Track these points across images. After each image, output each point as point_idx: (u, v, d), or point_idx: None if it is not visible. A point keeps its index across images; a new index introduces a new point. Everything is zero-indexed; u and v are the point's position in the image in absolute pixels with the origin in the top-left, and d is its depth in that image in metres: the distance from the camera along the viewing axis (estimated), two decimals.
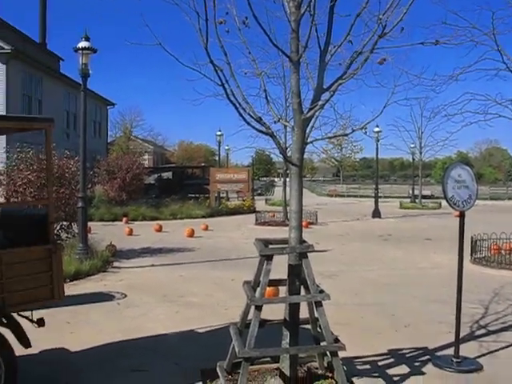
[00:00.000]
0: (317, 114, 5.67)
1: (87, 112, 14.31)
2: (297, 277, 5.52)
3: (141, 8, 5.45)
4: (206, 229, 22.48)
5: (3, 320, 5.12)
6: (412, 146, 42.61)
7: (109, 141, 56.63)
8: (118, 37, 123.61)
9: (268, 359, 5.95)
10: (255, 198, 40.16)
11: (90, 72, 13.73)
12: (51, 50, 42.44)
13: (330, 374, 5.79)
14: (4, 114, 28.22)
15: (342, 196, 57.94)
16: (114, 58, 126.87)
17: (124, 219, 26.04)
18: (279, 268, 5.74)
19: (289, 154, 7.77)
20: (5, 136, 6.32)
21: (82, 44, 13.48)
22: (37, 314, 5.83)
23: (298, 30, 5.42)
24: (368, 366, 6.52)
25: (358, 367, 6.47)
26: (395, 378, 6.11)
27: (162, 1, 5.23)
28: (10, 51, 30.96)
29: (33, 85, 34.57)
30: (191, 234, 20.12)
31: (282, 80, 20.17)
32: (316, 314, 5.44)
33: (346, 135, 6.99)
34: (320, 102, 5.52)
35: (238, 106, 5.29)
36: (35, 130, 5.95)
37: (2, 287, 5.13)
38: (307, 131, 5.67)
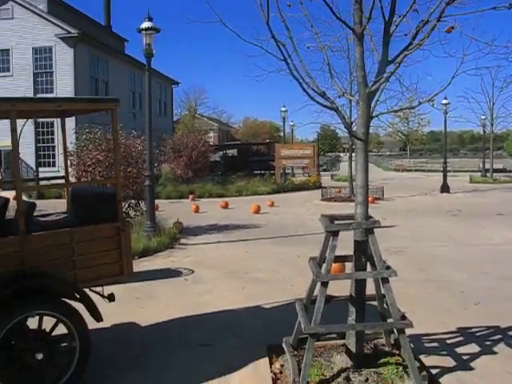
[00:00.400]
0: (382, 87, 5.53)
1: (152, 91, 14.49)
2: (363, 253, 5.45)
3: None
4: (272, 205, 22.52)
5: (76, 295, 5.30)
6: (483, 117, 41.04)
7: (174, 119, 57.43)
8: (181, 15, 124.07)
9: (334, 335, 5.91)
10: (321, 173, 39.87)
11: (154, 52, 13.86)
12: (116, 31, 43.21)
13: (397, 352, 5.72)
14: (73, 96, 29.06)
15: (409, 171, 56.79)
16: (177, 36, 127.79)
17: (190, 196, 26.39)
18: (344, 244, 5.68)
19: (354, 128, 7.63)
20: (74, 117, 6.53)
21: (145, 24, 13.60)
22: (107, 290, 6.02)
23: (361, 0, 5.28)
24: (436, 344, 6.39)
25: (426, 345, 6.35)
26: (465, 357, 5.95)
27: None
28: (76, 35, 31.76)
29: (99, 67, 35.38)
30: (257, 211, 20.21)
31: (346, 53, 19.85)
32: (382, 291, 5.37)
33: (413, 108, 6.79)
34: (385, 75, 5.37)
35: (301, 81, 5.21)
36: (102, 110, 6.08)
37: (74, 264, 5.31)
38: (372, 105, 5.54)
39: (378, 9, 5.34)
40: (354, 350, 5.55)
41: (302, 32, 5.79)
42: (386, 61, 5.41)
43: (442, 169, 32.09)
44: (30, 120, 24.59)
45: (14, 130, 4.98)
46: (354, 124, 16.61)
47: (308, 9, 5.49)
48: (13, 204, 6.29)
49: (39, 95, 31.17)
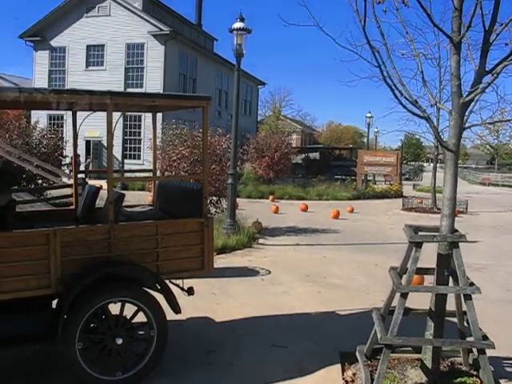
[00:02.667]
0: (476, 97, 5.37)
1: (239, 91, 14.65)
2: (446, 267, 5.31)
3: None
4: (352, 211, 22.29)
5: (157, 286, 5.45)
6: None
7: (258, 119, 57.84)
8: (269, 16, 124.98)
9: (409, 349, 5.80)
10: (403, 182, 39.08)
11: (244, 52, 14.03)
12: (206, 30, 43.97)
13: (475, 373, 5.54)
14: (161, 92, 29.81)
15: (496, 185, 54.56)
16: (265, 38, 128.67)
17: (270, 197, 26.50)
18: (421, 256, 5.54)
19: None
20: (161, 114, 6.73)
21: (237, 25, 13.77)
22: (187, 283, 6.15)
23: (461, 8, 5.13)
24: None
25: (507, 369, 6.07)
26: None
27: None
28: (168, 33, 32.58)
29: (188, 64, 36.13)
30: (336, 216, 20.06)
31: (437, 61, 19.34)
32: (464, 308, 5.21)
33: (509, 121, 6.55)
34: (481, 85, 5.21)
35: (393, 88, 5.15)
36: (194, 107, 6.21)
37: (158, 255, 5.46)
38: (465, 116, 5.39)
39: (477, 16, 5.20)
40: (429, 365, 5.41)
41: (395, 38, 5.72)
42: (483, 71, 5.25)
43: None
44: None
45: (109, 122, 5.17)
46: (440, 134, 16.21)
47: (402, 15, 5.41)
48: (102, 193, 6.57)
49: (129, 89, 32.21)
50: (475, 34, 5.40)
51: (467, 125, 5.56)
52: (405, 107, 5.29)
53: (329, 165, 46.40)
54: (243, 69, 38.24)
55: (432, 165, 29.18)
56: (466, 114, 5.41)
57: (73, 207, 6.93)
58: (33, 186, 17.47)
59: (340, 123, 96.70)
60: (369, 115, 39.34)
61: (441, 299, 5.36)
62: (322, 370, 5.84)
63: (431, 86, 20.43)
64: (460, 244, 5.18)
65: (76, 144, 6.87)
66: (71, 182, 7.77)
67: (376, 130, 50.32)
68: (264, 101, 73.45)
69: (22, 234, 4.89)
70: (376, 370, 5.22)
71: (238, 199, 16.43)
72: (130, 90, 32.23)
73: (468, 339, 5.30)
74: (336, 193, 29.08)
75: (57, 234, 4.94)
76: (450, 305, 5.54)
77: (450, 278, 5.37)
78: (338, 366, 5.91)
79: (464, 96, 5.25)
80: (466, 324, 5.42)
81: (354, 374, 5.70)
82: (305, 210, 22.02)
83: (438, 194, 22.65)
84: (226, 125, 31.61)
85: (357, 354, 5.82)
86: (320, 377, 5.69)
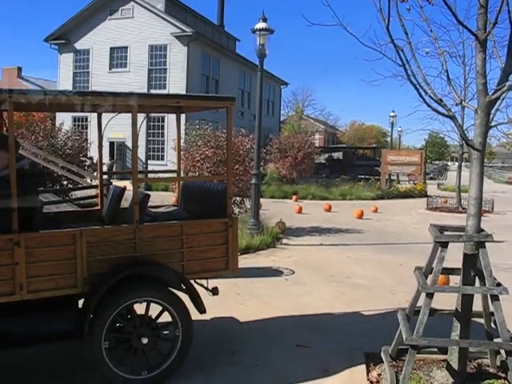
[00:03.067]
0: (503, 95, 5.31)
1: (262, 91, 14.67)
2: (472, 267, 5.26)
3: None
4: (376, 211, 22.18)
5: (182, 286, 5.49)
6: None
7: (281, 119, 57.81)
8: (292, 16, 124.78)
9: (435, 350, 5.75)
10: (427, 181, 38.75)
11: (267, 52, 14.03)
12: (228, 31, 44.07)
13: (503, 375, 5.46)
14: (184, 93, 29.96)
15: None
16: (288, 37, 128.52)
17: (294, 197, 26.47)
18: (447, 256, 5.49)
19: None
20: (184, 114, 6.74)
21: (260, 25, 13.77)
22: (211, 283, 6.17)
23: (486, 5, 5.07)
24: None
25: None
26: None
27: None
28: (191, 34, 32.78)
29: (211, 65, 36.32)
30: (360, 216, 19.97)
31: (462, 59, 19.15)
32: (491, 308, 5.15)
33: None
34: (508, 83, 5.14)
35: (418, 87, 5.11)
36: (218, 108, 6.22)
37: (183, 255, 5.49)
38: (491, 114, 5.33)
39: (504, 13, 5.13)
40: (456, 367, 5.36)
41: (419, 37, 5.67)
42: (509, 68, 5.17)
43: None
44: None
45: (134, 124, 5.21)
46: (465, 132, 16.01)
47: (426, 12, 5.37)
48: (126, 194, 6.63)
49: (152, 91, 32.45)
50: (501, 30, 5.33)
51: (493, 123, 5.49)
52: (429, 106, 5.25)
53: (352, 164, 46.26)
54: (266, 69, 38.26)
55: (457, 164, 28.88)
56: (492, 112, 5.34)
57: (98, 208, 7.00)
58: (58, 187, 17.68)
59: (363, 122, 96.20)
60: (392, 114, 39.08)
61: (467, 300, 5.30)
62: (347, 370, 5.81)
63: (456, 84, 20.03)
64: (486, 244, 5.12)
65: (101, 145, 6.93)
66: (96, 182, 7.85)
67: (400, 129, 49.87)
68: (287, 101, 73.43)
69: (49, 234, 4.95)
70: (401, 370, 5.19)
71: (261, 199, 16.44)
72: (153, 91, 32.51)
73: (495, 340, 5.24)
74: (360, 192, 28.95)
75: (83, 234, 4.99)
76: (477, 305, 5.49)
77: (477, 279, 5.32)
78: (363, 367, 5.88)
79: (490, 94, 5.19)
80: (493, 325, 5.36)
81: (379, 375, 5.67)
82: (328, 209, 21.96)
83: (463, 194, 22.41)
84: (249, 125, 31.64)
85: (382, 354, 5.79)
86: (345, 377, 5.67)
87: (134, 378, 5.18)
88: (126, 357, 5.24)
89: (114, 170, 31.15)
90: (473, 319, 5.47)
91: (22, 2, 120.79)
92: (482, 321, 5.58)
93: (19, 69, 50.03)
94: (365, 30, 5.36)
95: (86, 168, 19.97)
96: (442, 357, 5.71)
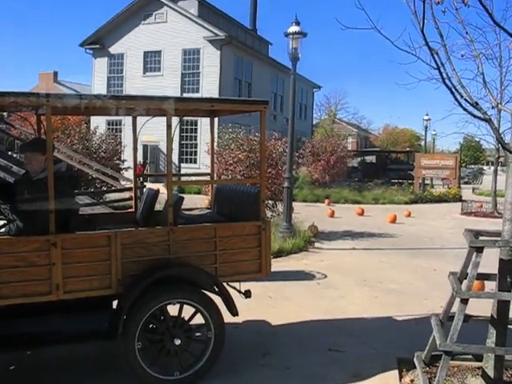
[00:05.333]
0: None
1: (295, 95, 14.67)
2: (508, 273, 5.17)
3: None
4: (409, 215, 21.95)
5: (215, 288, 5.52)
6: None
7: (314, 123, 57.68)
8: (327, 18, 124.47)
9: (469, 357, 5.66)
10: (461, 186, 38.21)
11: (300, 56, 14.03)
12: (261, 34, 44.19)
13: None
14: (217, 96, 30.13)
15: None
16: (322, 40, 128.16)
17: (326, 201, 26.38)
18: (482, 261, 5.42)
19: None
20: (217, 118, 6.76)
21: (293, 29, 13.77)
22: (244, 286, 6.19)
23: None
24: None
25: None
26: None
27: None
28: (223, 38, 32.97)
29: (243, 69, 36.47)
30: (393, 220, 19.81)
31: (499, 61, 18.84)
32: None
33: None
34: None
35: (453, 90, 5.06)
36: (251, 111, 6.25)
37: (216, 258, 5.52)
38: None
39: None
40: (491, 374, 5.26)
41: (454, 39, 5.62)
42: None
43: None
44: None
45: (169, 126, 5.26)
46: (502, 136, 15.73)
47: (462, 15, 5.32)
48: (160, 197, 6.69)
49: (186, 94, 32.70)
50: None
51: None
52: (465, 109, 5.19)
53: (385, 168, 45.89)
54: (298, 72, 38.26)
55: (492, 168, 28.40)
56: None
57: (132, 210, 7.09)
58: (92, 190, 17.93)
59: (396, 126, 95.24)
60: (426, 118, 38.62)
61: (503, 306, 5.21)
62: (379, 375, 5.77)
63: (492, 87, 19.72)
64: None
65: (136, 148, 7.00)
66: (131, 185, 7.94)
67: (434, 132, 49.31)
68: (319, 104, 73.26)
69: (84, 235, 5.04)
70: (434, 377, 5.13)
71: (293, 203, 16.42)
72: (186, 94, 32.75)
73: None
74: (393, 197, 28.72)
75: (118, 236, 5.06)
76: None
77: None
78: (395, 372, 5.82)
79: None
80: None
81: (412, 381, 5.61)
82: (361, 214, 21.83)
83: (498, 198, 22.04)
84: (282, 128, 31.64)
85: (415, 360, 5.73)
86: (377, 382, 5.63)
87: (167, 379, 5.23)
88: (159, 357, 5.29)
89: (147, 172, 31.48)
90: (509, 326, 5.38)
91: (59, 6, 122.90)
92: None
93: (55, 73, 50.95)
94: (399, 32, 5.33)
95: (120, 171, 20.20)
96: (476, 364, 5.62)
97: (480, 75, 5.64)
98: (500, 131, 15.34)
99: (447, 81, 5.09)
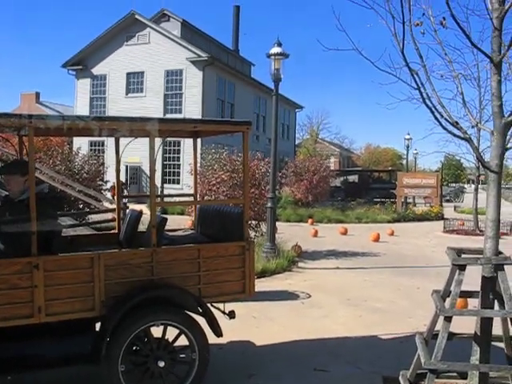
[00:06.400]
0: None
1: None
2: (491, 290, 5.21)
3: (335, 13, 5.47)
4: (392, 234, 22.06)
5: (199, 309, 5.49)
6: None
7: (296, 143, 57.93)
8: (307, 41, 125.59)
9: (454, 374, 5.68)
10: (443, 204, 38.52)
11: (282, 77, 14.12)
12: (243, 55, 44.51)
13: None
14: (200, 117, 30.20)
15: None
16: (301, 62, 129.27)
17: (309, 221, 26.42)
18: (465, 279, 5.46)
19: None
20: (199, 138, 6.74)
21: (275, 50, 13.88)
22: (228, 307, 6.16)
23: (500, 27, 5.10)
24: None
25: None
26: None
27: (356, 5, 5.22)
28: (206, 59, 33.10)
29: (226, 89, 36.57)
30: (376, 239, 19.91)
31: (477, 82, 19.10)
32: (511, 332, 5.10)
33: None
34: None
35: (433, 109, 5.13)
36: (234, 132, 6.28)
37: (200, 279, 5.50)
38: (508, 136, 5.32)
39: None
40: None
41: (433, 60, 5.71)
42: None
43: None
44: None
45: (152, 148, 5.27)
46: (482, 155, 15.92)
47: (440, 35, 5.41)
48: (143, 218, 6.67)
49: (169, 115, 32.71)
50: None
51: (510, 145, 5.49)
52: (445, 129, 5.26)
53: (368, 187, 46.16)
54: (281, 93, 38.52)
55: (473, 186, 28.69)
56: (509, 133, 5.34)
57: (115, 231, 7.05)
58: (75, 211, 17.81)
59: (378, 145, 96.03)
60: (407, 137, 39.00)
61: (486, 323, 5.25)
62: None
63: (471, 107, 19.97)
64: (505, 266, 5.08)
65: (119, 169, 6.97)
66: (113, 206, 7.90)
67: (415, 151, 49.79)
68: (302, 124, 73.61)
69: (67, 257, 5.01)
70: None
71: (277, 223, 16.43)
72: (169, 115, 32.73)
73: None
74: (375, 216, 28.86)
75: (101, 257, 5.03)
76: (497, 329, 5.42)
77: (496, 302, 5.26)
78: None
79: (506, 116, 5.20)
80: None
81: None
82: (344, 233, 21.89)
83: (480, 216, 22.25)
84: (264, 149, 31.78)
85: (400, 378, 5.72)
86: None
87: None
88: (143, 380, 5.23)
89: (125, 193, 31.32)
90: (493, 343, 5.41)
91: (40, 28, 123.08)
92: (502, 345, 5.50)
93: (37, 94, 50.70)
94: (380, 53, 5.41)
95: (102, 192, 20.10)
96: (461, 382, 5.62)
97: (459, 95, 5.74)
98: (480, 150, 15.60)
99: (427, 101, 5.17)
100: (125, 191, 32.12)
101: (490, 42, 5.22)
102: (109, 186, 20.48)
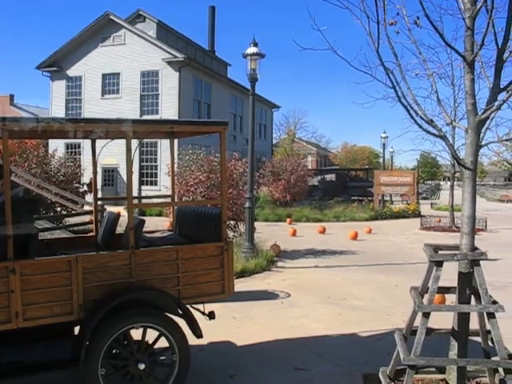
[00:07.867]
0: (492, 115, 5.38)
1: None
2: (467, 285, 5.28)
3: (310, 13, 5.49)
4: (370, 232, 22.21)
5: (179, 310, 5.47)
6: None
7: (273, 143, 58.03)
8: (283, 41, 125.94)
9: (433, 369, 5.74)
10: (420, 201, 38.88)
11: (258, 76, 14.13)
12: (219, 56, 44.45)
13: None
14: (176, 118, 30.10)
15: None
16: (278, 62, 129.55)
17: (288, 220, 26.48)
18: (442, 275, 5.52)
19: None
20: (176, 139, 6.73)
21: (251, 50, 13.91)
22: (207, 308, 6.15)
23: (473, 27, 5.17)
24: None
25: None
26: None
27: (331, 5, 5.24)
28: (182, 59, 33.01)
29: (202, 90, 36.50)
30: (355, 237, 20.03)
31: (451, 80, 19.31)
32: (488, 326, 5.16)
33: None
34: (496, 103, 5.22)
35: (409, 108, 5.18)
36: (211, 132, 6.27)
37: (178, 280, 5.49)
38: (481, 133, 5.39)
39: (490, 34, 5.23)
40: None
41: (408, 59, 5.76)
42: (497, 88, 5.26)
43: None
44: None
45: (128, 150, 5.25)
46: (457, 152, 16.11)
47: (415, 34, 5.47)
48: (121, 220, 6.63)
49: (145, 116, 32.57)
50: (488, 51, 5.44)
51: (484, 142, 5.56)
52: (420, 127, 5.32)
53: (345, 186, 46.46)
54: (257, 93, 38.55)
55: (449, 183, 29.00)
56: (482, 131, 5.41)
57: (93, 234, 7.00)
58: (51, 214, 17.64)
59: (355, 144, 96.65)
60: (384, 135, 39.35)
61: (464, 318, 5.31)
62: None
63: (446, 105, 20.38)
64: (481, 262, 5.15)
65: (96, 171, 6.92)
66: (90, 208, 7.84)
67: (391, 149, 50.14)
68: (278, 124, 73.87)
69: (44, 261, 4.95)
70: None
71: (255, 223, 16.44)
72: (145, 116, 32.60)
73: (493, 358, 5.24)
74: (353, 214, 29.04)
75: (78, 260, 4.99)
76: (474, 324, 5.49)
77: (472, 297, 5.33)
78: None
79: (479, 114, 5.26)
80: (490, 343, 5.36)
81: None
82: (323, 232, 21.97)
83: (456, 213, 22.52)
84: (242, 149, 31.79)
85: (380, 375, 5.77)
86: None
87: None
88: (123, 383, 5.20)
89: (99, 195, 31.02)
90: (470, 338, 5.47)
91: (14, 29, 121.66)
92: (479, 339, 5.57)
93: (11, 97, 50.06)
94: (355, 52, 5.45)
95: (79, 194, 19.93)
96: (440, 376, 5.68)
97: (434, 93, 5.81)
98: (455, 147, 15.68)
99: (403, 99, 5.21)
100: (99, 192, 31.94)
101: (463, 41, 5.28)
102: (85, 186, 20.30)
